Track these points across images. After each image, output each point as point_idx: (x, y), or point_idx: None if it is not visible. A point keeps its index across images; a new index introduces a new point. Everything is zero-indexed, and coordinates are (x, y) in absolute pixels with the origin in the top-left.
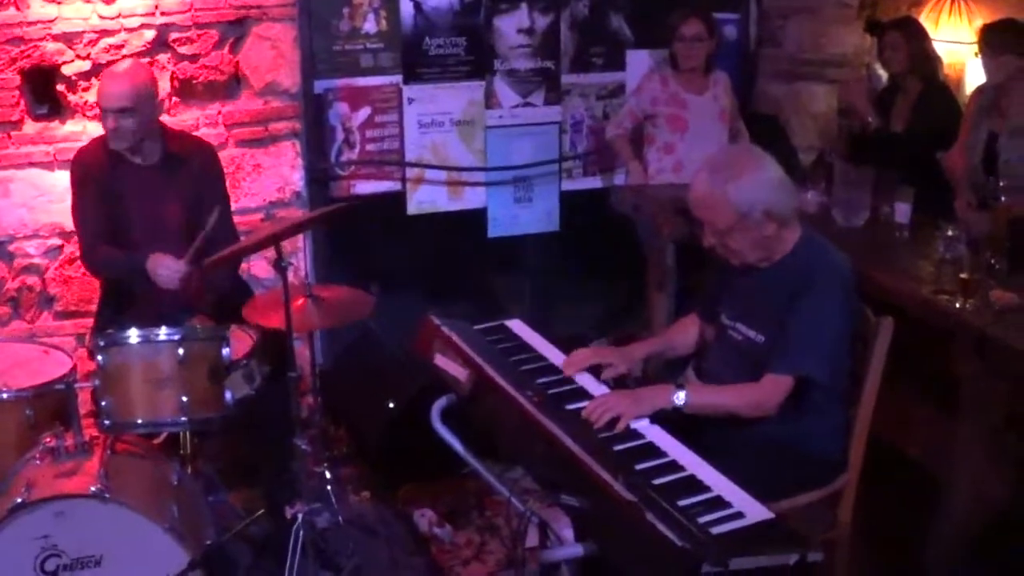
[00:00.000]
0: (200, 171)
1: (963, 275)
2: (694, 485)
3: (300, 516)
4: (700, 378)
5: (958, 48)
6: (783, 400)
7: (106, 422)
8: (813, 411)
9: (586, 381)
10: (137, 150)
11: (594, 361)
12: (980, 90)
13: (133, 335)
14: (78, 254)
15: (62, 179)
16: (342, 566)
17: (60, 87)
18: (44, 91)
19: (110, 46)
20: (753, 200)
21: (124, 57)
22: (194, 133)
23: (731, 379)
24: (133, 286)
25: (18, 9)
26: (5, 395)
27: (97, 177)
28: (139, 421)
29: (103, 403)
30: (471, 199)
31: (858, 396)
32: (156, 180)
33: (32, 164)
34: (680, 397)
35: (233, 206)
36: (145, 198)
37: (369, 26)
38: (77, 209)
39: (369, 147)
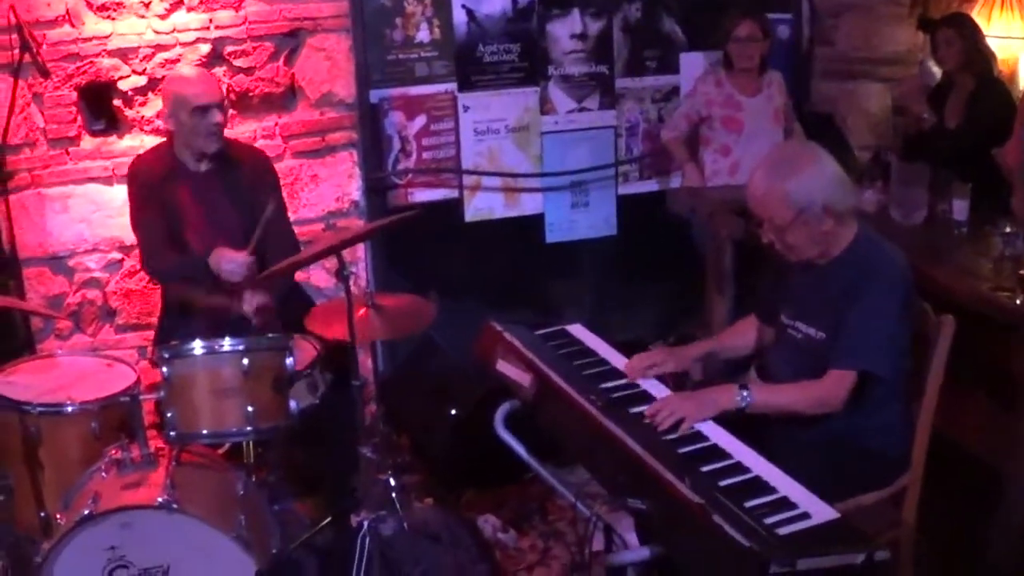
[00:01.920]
0: (253, 175)
1: (1022, 271)
2: (760, 486)
3: (365, 524)
4: (762, 378)
5: (1011, 43)
6: (847, 396)
7: (172, 433)
8: (873, 407)
9: (649, 384)
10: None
11: (653, 363)
12: None
13: (197, 346)
14: (139, 264)
15: (120, 194)
16: (407, 573)
17: (116, 102)
18: (100, 107)
19: (165, 61)
20: (812, 195)
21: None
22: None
23: (793, 378)
24: (194, 297)
25: (73, 26)
26: (70, 408)
27: (154, 185)
28: (204, 432)
29: (168, 414)
30: (528, 205)
31: (920, 395)
32: (211, 186)
33: (90, 179)
34: (744, 397)
35: (292, 216)
36: (201, 204)
37: (423, 35)
38: (136, 219)
39: (425, 155)
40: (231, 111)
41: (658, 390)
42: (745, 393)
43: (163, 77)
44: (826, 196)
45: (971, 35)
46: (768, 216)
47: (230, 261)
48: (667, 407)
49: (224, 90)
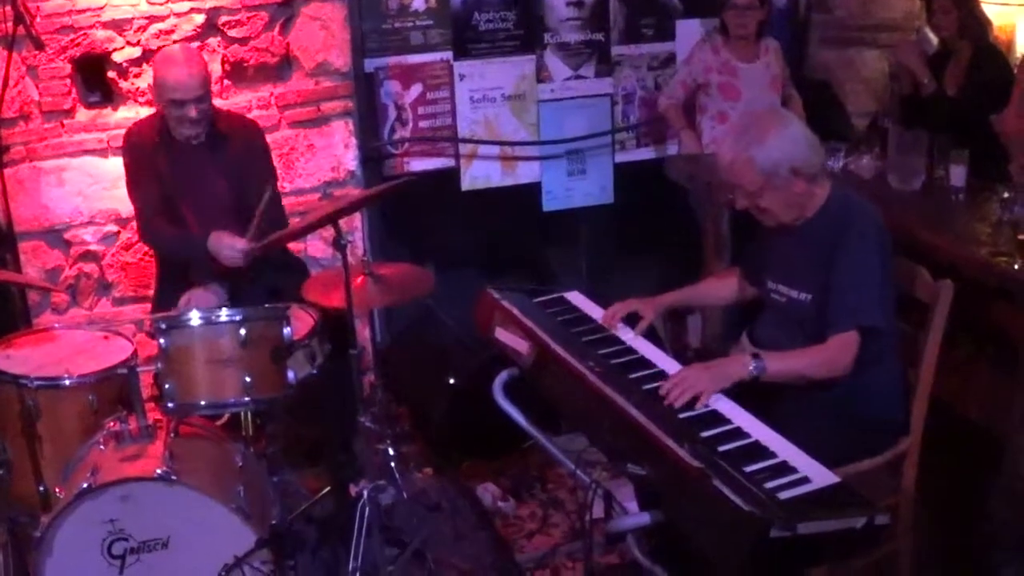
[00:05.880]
0: (244, 148)
1: (1021, 236)
2: (760, 451)
3: (365, 494)
4: (754, 344)
5: (1008, 10)
6: (855, 355)
7: (170, 404)
8: (870, 363)
9: (647, 350)
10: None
11: (628, 311)
12: None
13: (195, 317)
14: (136, 232)
15: (116, 166)
16: (407, 542)
17: (111, 74)
18: (95, 79)
19: (160, 32)
20: (778, 159)
21: (173, 43)
22: (247, 115)
23: (785, 342)
24: (190, 267)
25: None
26: (68, 381)
27: (147, 154)
28: (202, 403)
29: (166, 386)
30: (525, 173)
31: (918, 360)
32: (202, 158)
33: (86, 152)
34: (757, 366)
35: (288, 187)
36: (192, 176)
37: (418, 3)
38: (132, 187)
39: (421, 124)
40: (226, 82)
41: (656, 355)
42: (757, 363)
43: (158, 48)
44: (792, 159)
45: (967, 2)
46: (739, 183)
47: (230, 247)
48: (682, 383)
49: (209, 79)
